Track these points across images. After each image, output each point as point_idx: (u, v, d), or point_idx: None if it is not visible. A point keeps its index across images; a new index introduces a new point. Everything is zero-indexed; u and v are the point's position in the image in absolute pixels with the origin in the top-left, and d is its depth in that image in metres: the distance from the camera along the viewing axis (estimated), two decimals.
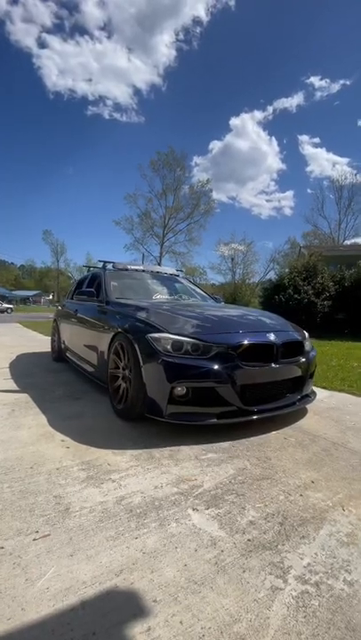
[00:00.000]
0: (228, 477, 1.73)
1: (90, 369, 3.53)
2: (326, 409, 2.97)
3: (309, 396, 2.80)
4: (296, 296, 10.30)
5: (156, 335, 2.30)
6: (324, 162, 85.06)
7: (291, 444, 2.19)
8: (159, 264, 38.98)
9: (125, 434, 2.27)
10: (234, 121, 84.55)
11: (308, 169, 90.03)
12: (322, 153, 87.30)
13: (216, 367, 2.19)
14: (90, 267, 5.13)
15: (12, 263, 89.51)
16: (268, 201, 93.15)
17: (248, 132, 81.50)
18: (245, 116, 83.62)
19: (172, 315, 2.64)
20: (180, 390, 2.19)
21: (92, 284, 4.18)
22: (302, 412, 2.77)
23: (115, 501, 1.51)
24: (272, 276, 34.08)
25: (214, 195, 40.66)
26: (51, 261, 73.26)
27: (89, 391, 3.37)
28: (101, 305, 3.40)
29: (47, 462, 1.86)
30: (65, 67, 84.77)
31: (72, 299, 4.90)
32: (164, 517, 1.40)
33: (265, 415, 2.33)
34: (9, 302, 53.11)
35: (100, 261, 4.59)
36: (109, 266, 4.22)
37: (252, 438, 2.25)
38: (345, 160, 77.19)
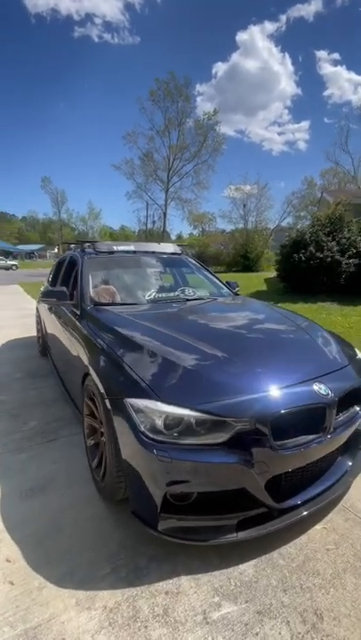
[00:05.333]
0: None
1: (68, 387, 2.80)
2: None
3: None
4: (319, 254, 9.01)
5: (140, 404, 1.45)
6: (344, 83, 73.42)
7: (348, 562, 1.45)
8: (165, 214, 36.30)
9: (103, 540, 1.57)
10: (241, 36, 72.37)
11: (327, 93, 78.73)
12: (342, 72, 74.36)
13: (236, 458, 1.38)
14: (70, 242, 4.13)
15: (14, 215, 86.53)
16: (280, 134, 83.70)
17: (257, 48, 69.59)
18: (254, 29, 70.95)
19: (165, 350, 1.76)
20: (178, 493, 1.41)
21: (68, 275, 3.26)
22: None
23: None
24: (288, 221, 31.26)
25: (221, 128, 35.72)
26: (52, 212, 70.08)
27: (68, 422, 2.66)
28: (75, 313, 2.53)
29: None
30: None
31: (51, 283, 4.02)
32: None
33: (310, 511, 1.55)
34: (14, 258, 52.15)
35: (78, 242, 3.61)
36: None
37: (287, 548, 1.51)
38: None
